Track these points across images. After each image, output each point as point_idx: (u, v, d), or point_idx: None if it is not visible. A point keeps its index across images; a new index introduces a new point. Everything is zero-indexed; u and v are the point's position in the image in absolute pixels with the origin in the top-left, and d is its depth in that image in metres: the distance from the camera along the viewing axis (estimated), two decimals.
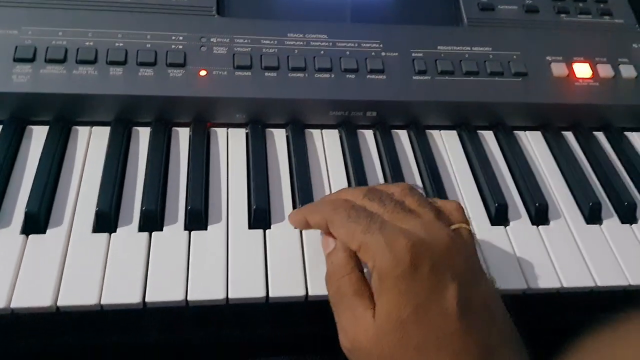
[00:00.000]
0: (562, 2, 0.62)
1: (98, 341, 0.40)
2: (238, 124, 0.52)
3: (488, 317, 0.35)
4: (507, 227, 0.47)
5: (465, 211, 0.39)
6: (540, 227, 0.48)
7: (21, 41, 0.48)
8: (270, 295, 0.40)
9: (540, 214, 0.48)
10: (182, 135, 0.50)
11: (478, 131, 0.55)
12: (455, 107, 0.54)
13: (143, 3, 0.52)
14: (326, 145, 0.52)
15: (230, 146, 0.50)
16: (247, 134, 0.51)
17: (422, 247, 0.33)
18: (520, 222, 0.48)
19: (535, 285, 0.43)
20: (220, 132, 0.51)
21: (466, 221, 0.39)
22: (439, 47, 0.56)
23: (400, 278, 0.33)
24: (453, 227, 0.37)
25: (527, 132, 0.57)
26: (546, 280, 0.44)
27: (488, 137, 0.55)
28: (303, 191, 0.46)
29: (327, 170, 0.50)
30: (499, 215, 0.47)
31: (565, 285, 0.44)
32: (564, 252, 0.46)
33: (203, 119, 0.51)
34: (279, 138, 0.52)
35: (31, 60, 0.47)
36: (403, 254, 0.33)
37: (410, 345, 0.33)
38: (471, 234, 0.38)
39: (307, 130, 0.53)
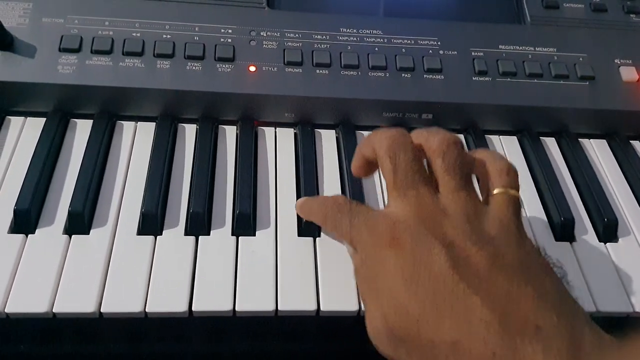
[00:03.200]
0: (631, 1, 0.58)
1: (140, 350, 0.39)
2: (286, 123, 0.49)
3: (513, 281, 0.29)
4: (573, 243, 0.44)
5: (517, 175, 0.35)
6: (607, 244, 0.44)
7: (67, 30, 0.46)
8: (322, 309, 0.37)
9: (609, 231, 0.45)
10: (229, 134, 0.48)
11: (540, 138, 0.52)
12: (517, 111, 0.50)
13: None
14: None
15: (279, 146, 0.47)
16: (295, 134, 0.49)
17: (401, 225, 0.32)
18: (587, 239, 0.45)
19: (604, 308, 0.40)
20: (268, 132, 0.49)
21: (511, 185, 0.34)
22: (500, 47, 0.52)
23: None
24: (496, 191, 0.34)
25: (591, 140, 0.53)
26: (616, 304, 0.41)
27: (550, 144, 0.52)
28: (354, 197, 0.44)
29: (380, 175, 0.47)
30: (565, 231, 0.44)
31: (637, 310, 0.40)
32: (634, 273, 0.43)
33: (250, 117, 0.48)
34: (328, 139, 0.49)
35: (77, 50, 0.45)
36: (384, 232, 0.33)
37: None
38: (512, 200, 0.34)
39: (358, 132, 0.50)
